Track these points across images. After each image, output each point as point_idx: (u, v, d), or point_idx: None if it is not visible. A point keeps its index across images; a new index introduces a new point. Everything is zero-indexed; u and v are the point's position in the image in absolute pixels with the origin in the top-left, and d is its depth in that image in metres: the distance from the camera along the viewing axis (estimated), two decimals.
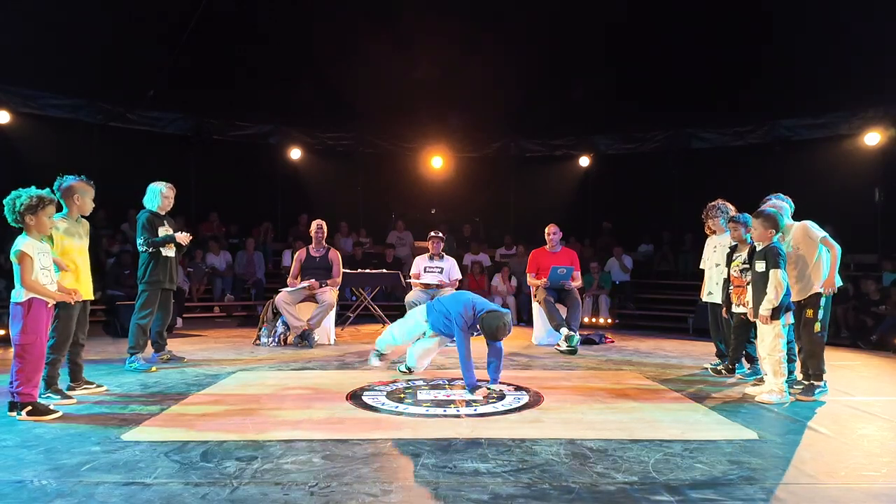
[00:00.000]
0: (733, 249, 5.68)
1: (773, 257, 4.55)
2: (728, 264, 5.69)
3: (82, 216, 4.77)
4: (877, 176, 10.71)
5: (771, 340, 4.61)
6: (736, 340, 5.61)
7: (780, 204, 5.20)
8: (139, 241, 5.84)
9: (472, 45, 11.05)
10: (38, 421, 3.83)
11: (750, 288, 4.94)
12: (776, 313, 4.57)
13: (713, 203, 6.11)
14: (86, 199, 4.70)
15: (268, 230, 12.67)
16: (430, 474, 2.99)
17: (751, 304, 4.84)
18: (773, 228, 4.63)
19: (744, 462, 3.19)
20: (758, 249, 4.73)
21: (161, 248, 5.85)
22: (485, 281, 10.95)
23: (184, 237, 5.96)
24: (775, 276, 4.52)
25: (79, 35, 9.65)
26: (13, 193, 3.94)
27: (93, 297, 4.69)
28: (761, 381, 5.18)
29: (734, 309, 5.55)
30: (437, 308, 5.07)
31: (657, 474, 3.00)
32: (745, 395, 4.82)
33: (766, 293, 4.57)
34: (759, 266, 4.65)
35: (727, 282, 5.69)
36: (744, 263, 5.50)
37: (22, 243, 3.90)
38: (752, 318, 4.86)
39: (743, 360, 5.70)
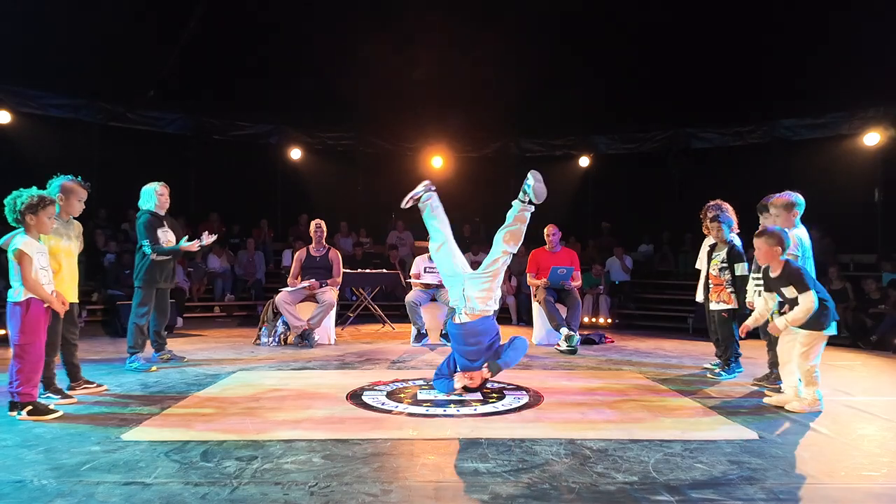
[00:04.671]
0: (712, 248, 5.69)
1: (798, 280, 4.20)
2: (707, 262, 5.71)
3: (74, 218, 4.72)
4: (877, 176, 10.73)
5: (809, 350, 4.26)
6: (723, 340, 5.59)
7: (796, 200, 4.93)
8: (143, 243, 5.83)
9: (472, 45, 11.04)
10: (38, 420, 3.83)
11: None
12: (821, 324, 4.21)
13: (713, 202, 6.12)
14: (71, 199, 4.62)
15: (265, 230, 12.64)
16: (430, 474, 2.99)
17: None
18: (779, 246, 4.26)
19: (744, 462, 3.19)
20: (775, 276, 4.30)
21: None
22: None
23: (192, 245, 5.97)
24: (807, 298, 4.15)
25: (79, 35, 9.65)
26: (14, 193, 3.94)
27: (76, 301, 4.66)
28: (761, 381, 5.20)
29: (713, 307, 5.56)
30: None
31: (657, 474, 3.00)
32: (777, 406, 4.39)
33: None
34: (789, 293, 4.26)
35: (707, 280, 5.71)
36: (722, 262, 5.52)
37: (21, 242, 3.88)
38: (773, 332, 4.43)
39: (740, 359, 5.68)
